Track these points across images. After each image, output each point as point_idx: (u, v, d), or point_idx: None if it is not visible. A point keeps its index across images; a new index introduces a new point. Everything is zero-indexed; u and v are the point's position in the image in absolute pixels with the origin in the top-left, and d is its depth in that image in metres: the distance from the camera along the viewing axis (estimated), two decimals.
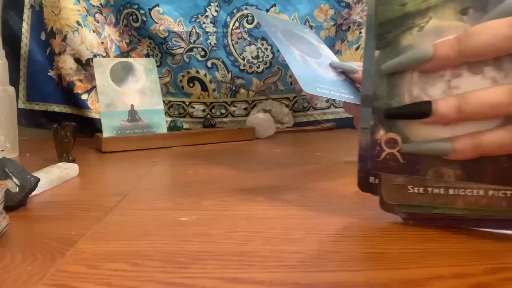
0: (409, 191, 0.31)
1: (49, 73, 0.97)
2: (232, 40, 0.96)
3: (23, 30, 0.96)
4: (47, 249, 0.29)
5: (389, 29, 0.29)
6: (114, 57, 0.95)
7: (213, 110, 1.00)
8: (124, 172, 0.61)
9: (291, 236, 0.31)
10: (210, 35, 0.96)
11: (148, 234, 0.32)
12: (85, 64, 0.93)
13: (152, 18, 0.93)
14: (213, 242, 0.30)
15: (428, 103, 0.28)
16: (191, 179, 0.52)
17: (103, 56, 0.93)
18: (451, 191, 0.30)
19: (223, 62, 0.97)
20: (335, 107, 1.04)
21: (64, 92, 0.97)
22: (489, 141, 0.27)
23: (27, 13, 0.96)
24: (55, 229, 0.34)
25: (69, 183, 0.51)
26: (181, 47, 0.95)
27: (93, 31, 0.93)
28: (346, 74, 0.55)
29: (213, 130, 0.84)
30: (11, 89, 0.71)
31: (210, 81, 0.98)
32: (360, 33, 1.02)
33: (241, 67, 0.98)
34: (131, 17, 0.94)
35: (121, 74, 0.79)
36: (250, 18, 0.96)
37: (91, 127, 0.93)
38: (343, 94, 0.51)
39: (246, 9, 0.95)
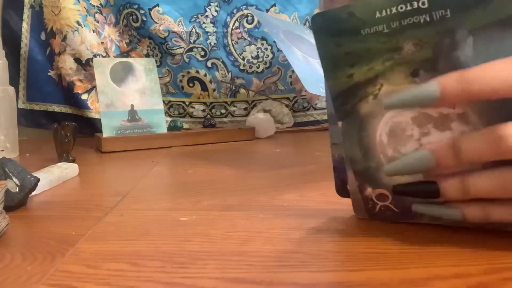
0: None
1: (49, 73, 0.97)
2: (232, 40, 0.96)
3: (23, 30, 0.96)
4: (47, 249, 0.29)
5: (344, 100, 0.29)
6: (114, 57, 0.95)
7: (213, 110, 1.00)
8: (124, 172, 0.61)
9: (291, 236, 0.31)
10: (210, 35, 0.96)
11: (148, 234, 0.32)
12: (85, 64, 0.93)
13: (152, 18, 0.93)
14: (213, 242, 0.30)
15: (434, 184, 0.27)
16: (191, 179, 0.52)
17: (103, 56, 0.93)
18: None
19: (223, 62, 0.97)
20: None
21: (64, 92, 0.97)
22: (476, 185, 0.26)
23: (27, 13, 0.96)
24: (55, 229, 0.34)
25: (69, 183, 0.51)
26: (181, 47, 0.95)
27: (93, 31, 0.93)
28: None
29: (213, 130, 0.84)
30: (11, 89, 0.71)
31: (210, 81, 0.98)
32: None
33: (241, 67, 0.98)
34: (131, 17, 0.94)
35: (121, 74, 0.79)
36: (250, 18, 0.96)
37: (91, 127, 0.93)
38: None
39: (246, 9, 0.95)
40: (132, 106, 0.78)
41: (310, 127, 1.01)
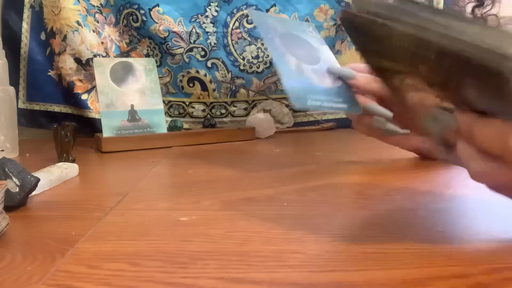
0: None
1: (49, 73, 0.97)
2: (232, 40, 0.96)
3: (23, 30, 0.96)
4: (47, 249, 0.29)
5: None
6: (114, 57, 0.95)
7: (213, 110, 1.00)
8: (124, 172, 0.61)
9: (291, 236, 0.31)
10: (210, 35, 0.96)
11: (148, 234, 0.32)
12: (85, 64, 0.93)
13: (152, 18, 0.93)
14: (213, 242, 0.30)
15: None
16: (191, 179, 0.52)
17: (103, 56, 0.93)
18: None
19: (223, 62, 0.97)
20: None
21: (64, 92, 0.97)
22: None
23: (27, 13, 0.96)
24: (55, 229, 0.34)
25: (69, 183, 0.51)
26: (181, 47, 0.95)
27: (93, 31, 0.93)
28: (343, 80, 0.53)
29: (213, 130, 0.84)
30: (11, 89, 0.71)
31: (210, 81, 0.98)
32: None
33: (241, 67, 0.98)
34: (131, 17, 0.94)
35: (121, 74, 0.79)
36: (250, 18, 0.96)
37: (91, 127, 0.93)
38: (336, 103, 0.50)
39: (247, 9, 0.95)
40: (132, 106, 0.78)
41: (310, 127, 1.01)
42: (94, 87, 0.94)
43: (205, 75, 0.97)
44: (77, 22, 0.91)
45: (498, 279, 0.24)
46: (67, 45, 0.92)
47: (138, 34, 0.95)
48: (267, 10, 0.96)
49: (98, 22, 0.95)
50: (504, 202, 0.28)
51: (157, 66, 0.95)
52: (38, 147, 0.80)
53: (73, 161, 0.61)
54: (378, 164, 0.58)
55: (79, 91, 0.94)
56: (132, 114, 0.78)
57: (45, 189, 0.46)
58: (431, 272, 0.25)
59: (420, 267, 0.26)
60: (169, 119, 0.92)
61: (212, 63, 0.97)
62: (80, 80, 0.94)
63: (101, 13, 0.96)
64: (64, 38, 0.92)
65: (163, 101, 0.92)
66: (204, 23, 0.95)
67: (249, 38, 0.96)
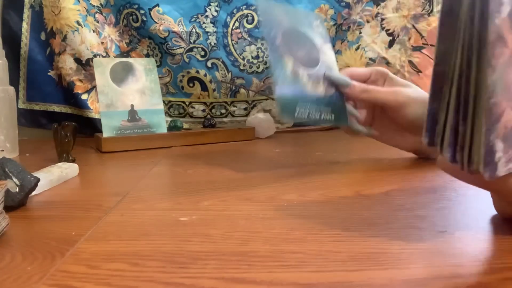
0: None
1: (49, 73, 0.97)
2: (232, 40, 0.96)
3: (23, 30, 0.96)
4: (47, 249, 0.29)
5: None
6: (114, 57, 0.95)
7: (213, 110, 1.00)
8: (124, 172, 0.61)
9: (291, 236, 0.31)
10: (210, 35, 0.96)
11: (148, 234, 0.32)
12: (85, 64, 0.93)
13: (152, 18, 0.93)
14: (213, 242, 0.30)
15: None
16: (191, 179, 0.52)
17: (103, 56, 0.93)
18: None
19: (223, 62, 0.97)
20: None
21: (64, 92, 0.97)
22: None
23: (27, 13, 0.96)
24: (55, 229, 0.34)
25: (69, 183, 0.51)
26: (181, 47, 0.95)
27: (93, 31, 0.93)
28: (338, 88, 0.54)
29: (213, 130, 0.84)
30: (11, 89, 0.71)
31: (210, 81, 0.98)
32: (360, 33, 1.02)
33: (241, 67, 0.98)
34: (131, 17, 0.94)
35: (121, 74, 0.79)
36: (250, 18, 0.96)
37: (91, 127, 0.93)
38: (324, 115, 0.51)
39: (247, 9, 0.95)
40: (132, 106, 0.78)
41: (310, 127, 1.01)
42: (94, 87, 0.94)
43: (205, 75, 0.97)
44: (77, 22, 0.91)
45: (498, 279, 0.24)
46: (67, 45, 0.92)
47: (138, 34, 0.95)
48: None
49: (98, 22, 0.95)
50: None
51: (157, 66, 0.95)
52: (38, 147, 0.80)
53: (73, 161, 0.61)
54: (378, 164, 0.58)
55: (79, 91, 0.94)
56: (132, 114, 0.78)
57: (45, 189, 0.46)
58: (431, 272, 0.25)
59: (420, 267, 0.26)
60: (169, 119, 0.92)
61: (212, 63, 0.97)
62: (80, 80, 0.94)
63: (101, 13, 0.96)
64: (64, 38, 0.92)
65: (163, 101, 0.92)
66: (204, 23, 0.95)
67: (249, 38, 0.96)
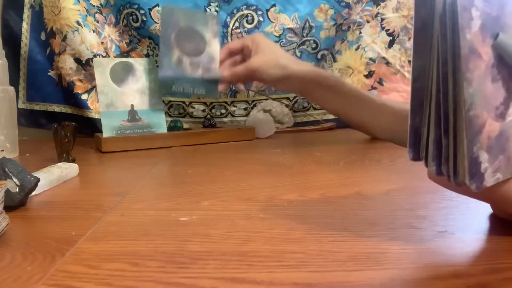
0: None
1: (49, 73, 0.97)
2: (232, 40, 0.96)
3: (23, 30, 0.96)
4: (47, 249, 0.29)
5: None
6: (114, 57, 0.95)
7: (213, 110, 1.00)
8: (124, 172, 0.61)
9: (291, 236, 0.31)
10: None
11: (148, 234, 0.32)
12: (85, 64, 0.93)
13: (152, 18, 0.93)
14: (213, 242, 0.30)
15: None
16: (191, 179, 0.52)
17: (103, 56, 0.93)
18: None
19: None
20: None
21: (64, 92, 0.97)
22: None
23: (27, 13, 0.96)
24: (55, 229, 0.34)
25: (69, 183, 0.51)
26: None
27: (93, 31, 0.93)
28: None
29: (213, 130, 0.84)
30: (11, 89, 0.71)
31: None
32: (360, 33, 1.02)
33: None
34: (131, 17, 0.94)
35: (121, 74, 0.79)
36: (250, 18, 0.96)
37: (91, 127, 0.93)
38: (196, 90, 0.76)
39: (247, 9, 0.95)
40: (132, 106, 0.78)
41: (310, 127, 1.01)
42: (94, 87, 0.94)
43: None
44: (77, 22, 0.91)
45: (498, 279, 0.24)
46: (67, 45, 0.92)
47: (138, 34, 0.95)
48: (267, 10, 0.96)
49: (98, 22, 0.95)
50: None
51: (157, 66, 0.95)
52: (38, 147, 0.80)
53: (73, 161, 0.61)
54: (378, 164, 0.58)
55: (79, 91, 0.94)
56: (132, 114, 0.78)
57: (45, 189, 0.46)
58: (431, 272, 0.25)
59: (420, 267, 0.26)
60: (169, 119, 0.92)
61: None
62: (80, 80, 0.94)
63: (101, 13, 0.96)
64: (64, 38, 0.92)
65: (163, 101, 0.92)
66: None
67: None
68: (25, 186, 0.40)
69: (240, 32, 0.96)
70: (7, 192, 0.38)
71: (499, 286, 0.23)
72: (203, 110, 1.00)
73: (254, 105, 1.00)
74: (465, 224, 0.33)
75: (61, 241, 0.31)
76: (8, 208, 0.37)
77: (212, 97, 0.76)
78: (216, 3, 0.95)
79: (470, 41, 0.24)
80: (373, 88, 1.03)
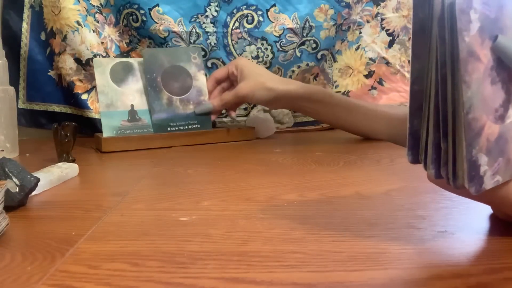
0: None
1: (49, 73, 0.97)
2: (232, 40, 0.96)
3: (23, 30, 0.96)
4: (47, 249, 0.30)
5: None
6: (114, 57, 0.95)
7: None
8: (124, 172, 0.61)
9: (291, 236, 0.31)
10: (210, 35, 0.96)
11: (148, 234, 0.32)
12: (85, 64, 0.93)
13: (152, 18, 0.93)
14: (213, 242, 0.30)
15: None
16: (191, 179, 0.52)
17: (103, 56, 0.93)
18: None
19: (223, 62, 0.97)
20: None
21: (64, 92, 0.97)
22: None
23: (27, 13, 0.96)
24: (55, 229, 0.34)
25: (69, 183, 0.51)
26: (181, 47, 0.95)
27: (93, 31, 0.93)
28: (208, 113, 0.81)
29: (213, 130, 0.84)
30: (11, 89, 0.71)
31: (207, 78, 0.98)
32: (360, 33, 1.02)
33: None
34: (131, 17, 0.94)
35: (121, 74, 0.79)
36: (250, 18, 0.96)
37: (91, 127, 0.93)
38: (191, 125, 0.80)
39: (247, 9, 0.95)
40: (132, 106, 0.78)
41: (310, 127, 1.01)
42: (94, 87, 0.94)
43: (205, 75, 0.97)
44: (77, 22, 0.91)
45: (498, 279, 0.24)
46: (67, 45, 0.92)
47: (138, 34, 0.95)
48: (267, 10, 0.96)
49: (98, 22, 0.95)
50: None
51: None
52: (38, 147, 0.80)
53: (73, 161, 0.61)
54: (378, 164, 0.58)
55: (79, 91, 0.94)
56: (132, 114, 0.78)
57: (45, 189, 0.46)
58: (431, 272, 0.25)
59: (420, 267, 0.26)
60: None
61: (212, 63, 0.97)
62: (80, 80, 0.94)
63: (101, 13, 0.96)
64: (64, 38, 0.92)
65: None
66: (204, 23, 0.95)
67: (249, 38, 0.96)
68: (25, 186, 0.40)
69: (240, 32, 0.96)
70: (7, 192, 0.38)
71: (499, 286, 0.23)
72: None
73: (254, 105, 1.00)
74: (465, 224, 0.34)
75: (61, 241, 0.31)
76: (8, 208, 0.37)
77: (206, 129, 0.80)
78: (216, 3, 0.95)
79: (468, 44, 0.24)
80: (373, 88, 1.03)
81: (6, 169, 0.40)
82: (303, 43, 0.97)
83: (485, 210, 0.34)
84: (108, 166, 0.65)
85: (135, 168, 0.62)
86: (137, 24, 0.94)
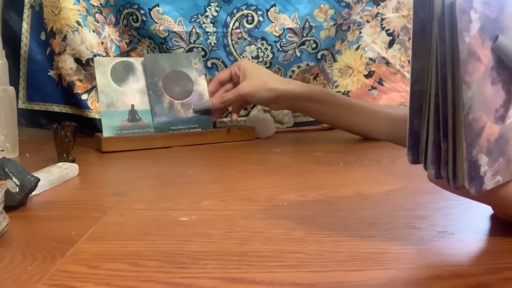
0: None
1: (49, 73, 0.97)
2: (232, 40, 0.96)
3: (23, 30, 0.96)
4: (47, 249, 0.30)
5: None
6: (114, 57, 0.95)
7: None
8: (124, 172, 0.61)
9: (291, 236, 0.31)
10: (210, 35, 0.96)
11: (148, 234, 0.32)
12: (85, 64, 0.93)
13: (152, 18, 0.93)
14: (213, 242, 0.30)
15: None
16: (191, 179, 0.52)
17: (103, 56, 0.93)
18: None
19: (223, 62, 0.97)
20: None
21: (64, 92, 0.97)
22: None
23: (27, 13, 0.96)
24: (55, 229, 0.34)
25: (69, 183, 0.51)
26: (181, 47, 0.95)
27: (93, 31, 0.93)
28: (206, 110, 0.81)
29: (213, 130, 0.84)
30: (11, 89, 0.71)
31: (210, 81, 0.98)
32: (360, 33, 1.02)
33: None
34: (131, 17, 0.94)
35: (121, 74, 0.79)
36: (250, 18, 0.96)
37: (91, 127, 0.93)
38: (193, 128, 0.80)
39: (247, 9, 0.95)
40: (132, 106, 0.78)
41: (310, 127, 1.01)
42: (94, 87, 0.94)
43: (205, 75, 0.97)
44: (77, 22, 0.91)
45: (498, 279, 0.24)
46: (67, 45, 0.92)
47: (138, 34, 0.95)
48: (267, 10, 0.96)
49: (98, 22, 0.95)
50: None
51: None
52: (38, 147, 0.80)
53: (73, 161, 0.61)
54: (378, 164, 0.58)
55: (79, 91, 0.94)
56: (133, 114, 0.78)
57: (45, 189, 0.46)
58: (431, 272, 0.25)
59: (420, 267, 0.26)
60: None
61: (212, 63, 0.97)
62: (80, 80, 0.94)
63: (101, 13, 0.96)
64: (64, 38, 0.92)
65: None
66: (204, 23, 0.95)
67: (249, 38, 0.96)
68: (25, 186, 0.40)
69: (240, 32, 0.96)
70: (7, 192, 0.38)
71: (499, 286, 0.23)
72: None
73: (254, 105, 1.00)
74: (465, 224, 0.34)
75: (61, 241, 0.31)
76: (8, 208, 0.37)
77: (207, 129, 0.81)
78: (216, 3, 0.95)
79: (469, 44, 0.24)
80: (373, 88, 1.03)
81: (6, 169, 0.40)
82: (303, 43, 0.97)
83: (485, 210, 0.34)
84: (108, 166, 0.65)
85: (135, 168, 0.62)
86: (137, 24, 0.94)
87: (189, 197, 0.43)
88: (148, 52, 0.96)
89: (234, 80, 0.83)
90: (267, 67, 0.97)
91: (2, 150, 0.69)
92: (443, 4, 0.24)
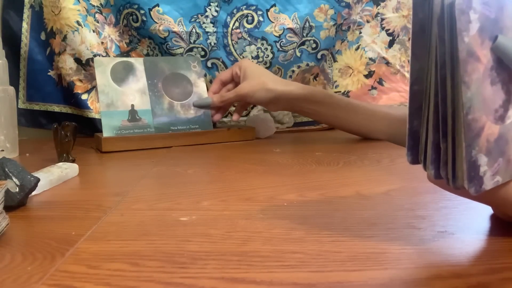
0: None
1: (49, 73, 0.97)
2: (232, 40, 0.96)
3: (23, 30, 0.96)
4: (47, 249, 0.30)
5: None
6: (114, 57, 0.95)
7: None
8: (124, 172, 0.61)
9: (291, 236, 0.31)
10: (210, 35, 0.96)
11: (148, 234, 0.32)
12: (85, 64, 0.93)
13: (152, 18, 0.93)
14: (213, 242, 0.30)
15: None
16: (191, 179, 0.52)
17: (103, 56, 0.93)
18: None
19: (223, 62, 0.97)
20: None
21: (64, 92, 0.97)
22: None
23: (27, 13, 0.96)
24: (55, 229, 0.34)
25: (69, 183, 0.51)
26: (181, 47, 0.95)
27: (93, 31, 0.93)
28: (205, 107, 0.83)
29: (213, 130, 0.84)
30: (11, 89, 0.71)
31: (210, 81, 0.98)
32: (360, 33, 1.02)
33: None
34: (131, 17, 0.94)
35: (121, 74, 0.79)
36: (250, 18, 0.96)
37: (91, 127, 0.93)
38: (193, 128, 0.81)
39: (247, 9, 0.95)
40: (132, 106, 0.78)
41: (310, 127, 1.01)
42: (94, 87, 0.94)
43: (205, 75, 0.97)
44: (77, 22, 0.91)
45: (498, 279, 0.24)
46: (67, 45, 0.92)
47: (138, 34, 0.95)
48: (267, 10, 0.96)
49: (98, 22, 0.95)
50: None
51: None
52: (38, 147, 0.80)
53: (73, 161, 0.61)
54: (378, 164, 0.58)
55: (79, 91, 0.94)
56: (133, 114, 0.78)
57: (45, 189, 0.46)
58: (431, 272, 0.25)
59: (420, 267, 0.26)
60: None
61: (212, 63, 0.97)
62: (80, 80, 0.94)
63: (101, 13, 0.96)
64: (64, 38, 0.92)
65: None
66: (204, 23, 0.95)
67: (249, 38, 0.96)
68: (25, 186, 0.40)
69: (240, 32, 0.96)
70: (7, 192, 0.38)
71: (499, 286, 0.23)
72: None
73: (254, 105, 1.00)
74: (465, 224, 0.34)
75: (61, 241, 0.31)
76: (8, 208, 0.37)
77: (207, 129, 0.82)
78: (216, 3, 0.95)
79: (468, 44, 0.24)
80: (373, 88, 1.03)
81: (6, 169, 0.40)
82: (303, 43, 0.97)
83: (485, 210, 0.34)
84: (108, 166, 0.65)
85: (135, 168, 0.62)
86: (137, 24, 0.94)
87: (189, 197, 0.43)
88: (148, 52, 0.96)
89: (235, 80, 0.83)
90: (267, 67, 0.97)
91: (2, 150, 0.69)
92: (442, 4, 0.24)
